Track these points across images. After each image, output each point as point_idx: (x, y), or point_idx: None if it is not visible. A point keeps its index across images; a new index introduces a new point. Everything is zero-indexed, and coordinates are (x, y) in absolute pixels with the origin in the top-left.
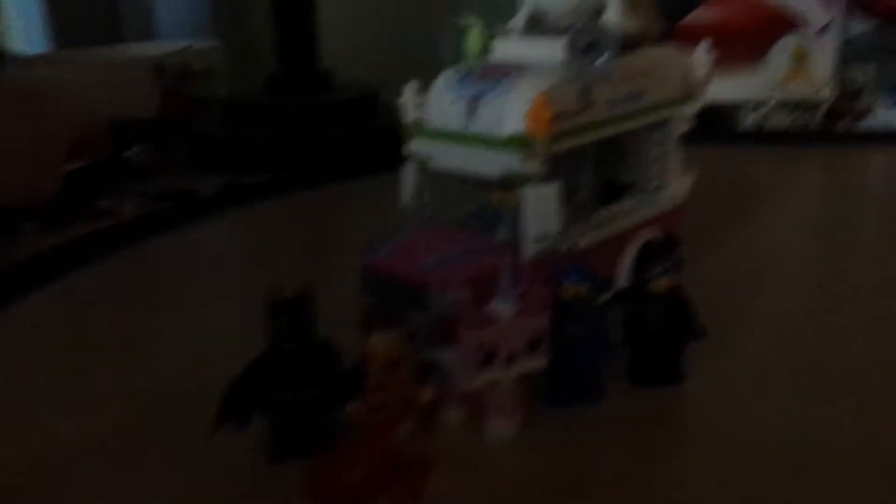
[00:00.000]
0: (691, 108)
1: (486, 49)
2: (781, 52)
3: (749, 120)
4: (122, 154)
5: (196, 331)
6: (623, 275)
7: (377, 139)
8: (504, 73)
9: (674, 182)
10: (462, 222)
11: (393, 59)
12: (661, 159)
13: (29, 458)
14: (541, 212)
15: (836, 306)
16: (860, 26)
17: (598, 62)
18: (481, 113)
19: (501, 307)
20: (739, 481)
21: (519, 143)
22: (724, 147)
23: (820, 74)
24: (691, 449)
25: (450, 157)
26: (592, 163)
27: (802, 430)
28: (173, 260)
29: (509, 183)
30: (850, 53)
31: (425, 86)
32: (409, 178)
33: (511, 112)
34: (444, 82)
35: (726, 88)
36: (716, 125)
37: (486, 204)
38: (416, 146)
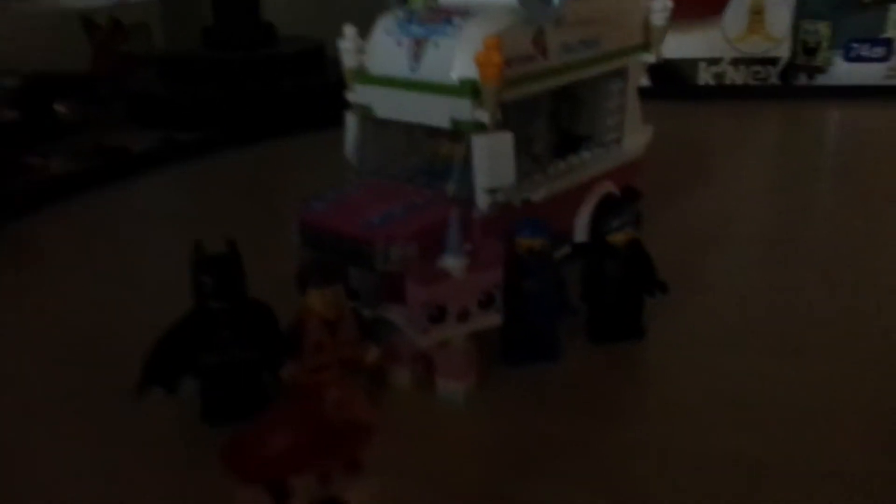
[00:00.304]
0: (649, 56)
1: None
2: (738, 8)
3: (706, 76)
4: (51, 109)
5: (124, 290)
6: (580, 229)
7: (322, 94)
8: (451, 16)
9: (632, 134)
10: (409, 176)
11: (339, 12)
12: (620, 110)
13: None
14: (493, 162)
15: (791, 261)
16: None
17: (551, 5)
18: (427, 57)
19: (451, 262)
20: (700, 438)
21: (468, 88)
22: (682, 103)
23: (776, 30)
24: (651, 408)
25: (394, 106)
26: (547, 114)
27: (763, 384)
28: (103, 216)
29: (459, 132)
30: (806, 9)
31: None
32: (351, 128)
33: (460, 56)
34: (385, 25)
35: (683, 45)
36: (673, 81)
37: (435, 156)
38: (358, 94)
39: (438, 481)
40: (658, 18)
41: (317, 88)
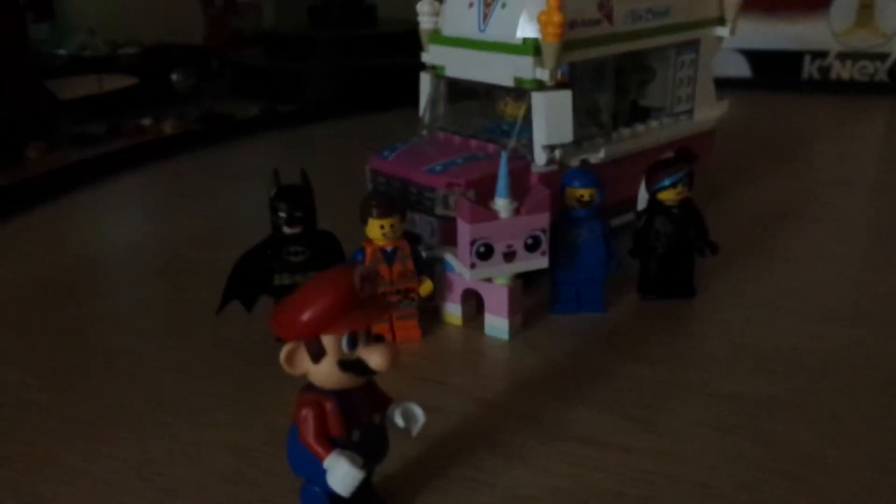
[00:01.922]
0: (724, 31)
1: None
2: (845, 1)
3: (811, 69)
4: (167, 77)
5: (218, 226)
6: (643, 197)
7: (416, 74)
8: None
9: (704, 107)
10: (474, 133)
11: None
12: (690, 82)
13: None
14: (552, 118)
15: (859, 241)
16: None
17: None
18: (495, 17)
19: (500, 203)
20: (723, 381)
21: (531, 46)
22: (786, 94)
23: (886, 25)
24: (683, 354)
25: (463, 65)
26: (615, 85)
27: (804, 344)
28: (204, 171)
29: (521, 90)
30: None
31: None
32: (425, 87)
33: (524, 16)
34: None
35: (789, 36)
36: (778, 72)
37: (500, 115)
38: (432, 54)
39: (476, 397)
40: None
41: (411, 67)
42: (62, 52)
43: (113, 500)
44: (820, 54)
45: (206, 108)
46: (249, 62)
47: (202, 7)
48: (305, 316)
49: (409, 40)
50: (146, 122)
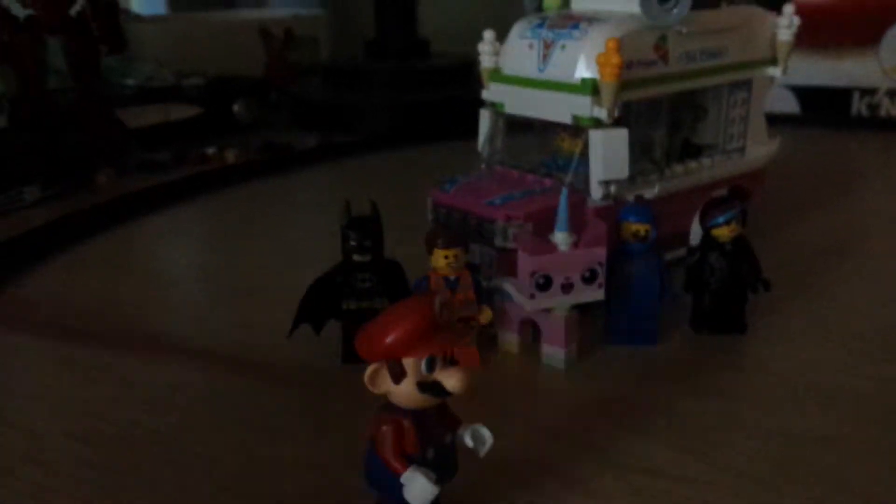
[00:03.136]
0: (776, 71)
1: (565, 2)
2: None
3: (860, 106)
4: (229, 108)
5: (278, 253)
6: (696, 233)
7: (469, 106)
8: (578, 21)
9: (755, 145)
10: (532, 168)
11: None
12: (742, 121)
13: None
14: (608, 155)
15: None
16: None
17: (674, 13)
18: (555, 58)
19: (559, 237)
20: (777, 415)
21: (589, 86)
22: (835, 132)
23: None
24: (739, 388)
25: (522, 103)
26: (669, 123)
27: (855, 381)
28: (265, 200)
29: (578, 127)
30: None
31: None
32: (483, 123)
33: (583, 57)
34: (519, 29)
35: (838, 73)
36: (827, 109)
37: (557, 151)
38: (491, 92)
39: (536, 424)
40: (784, 34)
41: (464, 100)
42: (130, 82)
43: None
44: (869, 91)
45: (267, 138)
46: (308, 94)
47: (262, 41)
48: (389, 339)
49: (461, 74)
50: (210, 150)
